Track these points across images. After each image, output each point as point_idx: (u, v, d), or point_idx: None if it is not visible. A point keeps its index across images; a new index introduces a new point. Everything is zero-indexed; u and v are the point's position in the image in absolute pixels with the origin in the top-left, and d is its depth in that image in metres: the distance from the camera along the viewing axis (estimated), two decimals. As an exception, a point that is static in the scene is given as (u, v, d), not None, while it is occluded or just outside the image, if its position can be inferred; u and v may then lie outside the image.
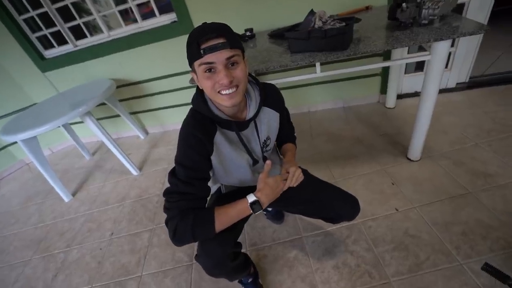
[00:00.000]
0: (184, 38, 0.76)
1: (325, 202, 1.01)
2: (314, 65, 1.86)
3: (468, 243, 1.17)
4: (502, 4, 3.07)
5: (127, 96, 2.53)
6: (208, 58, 0.69)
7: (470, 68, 2.07)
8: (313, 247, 1.32)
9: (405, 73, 2.14)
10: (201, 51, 0.68)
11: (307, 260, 1.27)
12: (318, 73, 1.35)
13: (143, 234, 1.65)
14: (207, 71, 0.71)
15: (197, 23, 1.98)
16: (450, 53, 2.03)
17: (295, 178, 0.87)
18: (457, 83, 2.14)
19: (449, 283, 1.06)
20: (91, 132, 2.89)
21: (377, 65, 1.37)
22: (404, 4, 1.21)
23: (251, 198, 0.81)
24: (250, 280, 1.14)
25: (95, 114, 2.68)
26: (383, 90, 2.15)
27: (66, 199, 2.15)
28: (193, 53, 0.70)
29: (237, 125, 0.85)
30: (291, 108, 2.38)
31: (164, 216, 1.08)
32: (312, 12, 1.29)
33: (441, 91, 2.15)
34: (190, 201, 0.79)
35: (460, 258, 1.13)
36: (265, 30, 1.88)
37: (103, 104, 2.58)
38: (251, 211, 0.81)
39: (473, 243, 1.16)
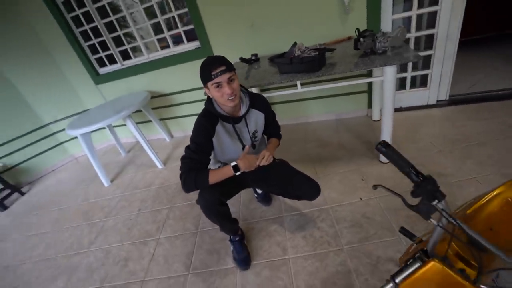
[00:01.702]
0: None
1: (294, 183, 1.39)
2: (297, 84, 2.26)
3: (409, 224, 1.46)
4: (479, 33, 3.39)
5: (158, 105, 3.09)
6: (217, 79, 1.14)
7: (448, 87, 2.35)
8: (290, 223, 1.67)
9: (389, 91, 2.46)
10: (212, 75, 1.13)
11: (283, 232, 1.63)
12: (299, 89, 1.75)
13: (163, 210, 2.11)
14: (217, 87, 1.16)
15: (215, 48, 2.50)
16: (427, 74, 2.34)
17: (264, 158, 1.27)
18: (437, 100, 2.42)
19: (387, 250, 1.37)
20: (128, 133, 3.48)
21: (335, 84, 1.74)
22: (362, 39, 1.60)
23: (233, 163, 1.23)
24: (237, 239, 1.52)
25: (133, 119, 3.27)
26: (370, 105, 2.49)
27: (106, 184, 2.69)
28: (207, 77, 1.15)
29: (233, 119, 1.28)
30: (291, 119, 2.78)
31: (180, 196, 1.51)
32: (294, 44, 1.72)
33: (422, 107, 2.44)
34: (195, 164, 1.23)
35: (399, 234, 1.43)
36: (267, 55, 2.34)
37: (140, 111, 3.16)
38: (233, 172, 1.22)
39: (414, 224, 1.46)
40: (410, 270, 0.70)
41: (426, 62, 2.30)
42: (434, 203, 0.61)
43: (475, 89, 2.44)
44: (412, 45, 2.22)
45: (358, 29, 1.65)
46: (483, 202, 0.93)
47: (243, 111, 1.30)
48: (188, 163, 1.24)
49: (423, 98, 2.43)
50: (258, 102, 1.36)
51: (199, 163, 1.24)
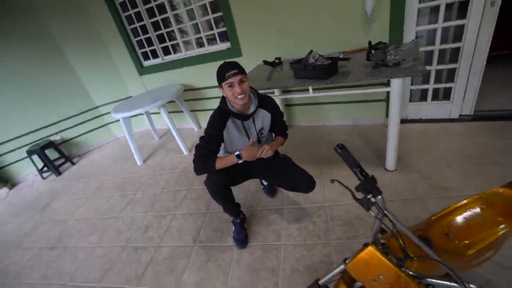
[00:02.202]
0: (234, 59, 1.47)
1: (292, 176, 1.56)
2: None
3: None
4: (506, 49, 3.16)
5: (190, 98, 3.42)
6: (229, 80, 1.36)
7: (474, 102, 2.29)
8: (288, 215, 1.84)
9: (410, 101, 2.47)
10: (226, 76, 1.35)
11: (281, 221, 1.80)
12: (310, 93, 1.89)
13: (182, 191, 2.40)
14: (229, 86, 1.38)
15: (244, 50, 2.73)
16: (451, 88, 2.30)
17: (264, 151, 1.45)
18: (460, 115, 2.37)
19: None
20: (162, 120, 3.88)
21: (347, 91, 1.85)
22: (373, 51, 1.69)
23: (237, 152, 1.45)
24: (238, 221, 1.74)
25: (166, 108, 3.64)
26: (387, 113, 2.52)
27: (139, 163, 3.08)
28: (221, 77, 1.37)
29: (242, 116, 1.49)
30: (310, 121, 2.91)
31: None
32: (310, 52, 1.86)
33: (444, 120, 2.40)
34: (207, 152, 1.46)
35: (387, 237, 1.52)
36: (290, 59, 2.49)
37: (173, 101, 3.51)
38: (236, 159, 1.43)
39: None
40: (356, 253, 0.85)
41: (450, 76, 2.27)
42: (369, 196, 0.75)
43: (502, 107, 2.34)
44: (435, 58, 2.21)
45: (370, 42, 1.74)
46: (449, 210, 1.03)
47: (251, 109, 1.49)
48: (200, 151, 1.47)
49: (445, 111, 2.39)
50: (266, 103, 1.55)
51: (210, 151, 1.47)
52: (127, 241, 2.00)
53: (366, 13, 2.13)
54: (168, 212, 2.19)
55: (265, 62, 2.44)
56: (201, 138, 1.50)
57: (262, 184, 2.09)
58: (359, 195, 0.81)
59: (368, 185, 0.75)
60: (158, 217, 2.16)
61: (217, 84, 1.43)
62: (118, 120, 3.86)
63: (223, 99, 1.50)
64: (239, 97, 1.37)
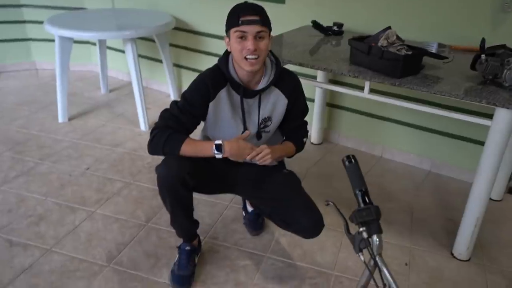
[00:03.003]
0: (269, 6, 1.76)
1: (289, 203, 1.86)
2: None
3: None
4: None
5: (179, 43, 3.83)
6: (243, 27, 1.65)
7: None
8: (268, 267, 2.15)
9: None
10: (240, 21, 1.65)
11: (253, 274, 2.11)
12: (365, 93, 2.23)
13: (117, 183, 2.77)
14: (240, 38, 1.68)
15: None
16: None
17: (261, 154, 1.77)
18: None
19: None
20: (121, 65, 4.30)
21: (427, 109, 2.15)
22: (483, 57, 2.01)
23: (218, 141, 1.74)
24: (187, 248, 2.04)
25: (137, 47, 4.06)
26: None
27: (60, 120, 3.50)
28: (233, 22, 1.67)
29: (244, 91, 1.81)
30: (357, 140, 3.29)
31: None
32: (385, 30, 2.21)
33: None
34: (175, 124, 1.76)
35: None
36: (357, 32, 2.84)
37: (151, 40, 3.92)
38: (213, 151, 1.73)
39: None
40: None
41: None
42: (361, 229, 1.07)
43: None
44: None
45: (483, 41, 2.06)
46: None
47: (261, 84, 1.82)
48: (167, 119, 1.79)
49: None
50: (286, 82, 1.87)
51: (181, 125, 1.78)
52: (1, 228, 2.34)
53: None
54: (82, 205, 2.54)
55: (315, 25, 2.79)
56: (174, 102, 1.82)
57: (245, 209, 2.41)
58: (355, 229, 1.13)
59: (366, 215, 1.07)
60: (65, 208, 2.52)
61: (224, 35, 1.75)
62: (51, 40, 4.28)
63: (224, 56, 1.83)
64: (248, 57, 1.68)
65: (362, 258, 1.11)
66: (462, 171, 2.96)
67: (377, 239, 1.10)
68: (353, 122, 3.26)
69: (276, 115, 1.91)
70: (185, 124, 1.80)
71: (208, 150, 1.75)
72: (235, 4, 1.70)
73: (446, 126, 2.91)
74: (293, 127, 1.99)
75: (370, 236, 1.09)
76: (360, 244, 1.11)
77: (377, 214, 1.10)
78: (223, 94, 1.81)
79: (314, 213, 1.83)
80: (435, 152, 3.01)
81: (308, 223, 1.83)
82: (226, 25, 1.73)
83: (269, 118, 1.91)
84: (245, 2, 1.72)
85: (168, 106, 1.84)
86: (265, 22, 1.69)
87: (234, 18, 1.67)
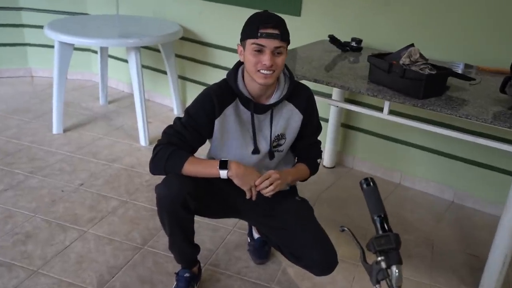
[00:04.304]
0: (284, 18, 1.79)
1: (301, 236, 1.85)
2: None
3: None
4: None
5: (185, 54, 3.87)
6: (261, 41, 1.66)
7: None
8: (274, 301, 2.14)
9: None
10: (259, 33, 1.66)
11: (257, 307, 2.10)
12: (384, 114, 2.23)
13: (112, 201, 2.77)
14: (257, 50, 1.69)
15: (306, 8, 3.19)
16: None
17: (269, 180, 1.75)
18: None
19: None
20: (124, 75, 4.35)
21: (452, 133, 2.15)
22: (514, 79, 2.02)
23: (224, 159, 1.75)
24: (186, 275, 2.02)
25: (141, 57, 4.10)
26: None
27: (55, 131, 3.52)
28: (251, 33, 1.68)
29: (255, 106, 1.82)
30: (375, 165, 3.28)
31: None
32: (409, 46, 2.22)
33: None
34: (179, 141, 1.78)
35: None
36: (375, 48, 2.87)
37: (156, 50, 3.96)
38: (218, 171, 1.73)
39: None
40: None
41: None
42: (379, 258, 1.05)
43: None
44: None
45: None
46: None
47: (273, 99, 1.83)
48: (170, 135, 1.80)
49: None
50: (301, 97, 1.89)
51: (184, 142, 1.79)
52: (-17, 245, 2.34)
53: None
54: (74, 224, 2.54)
55: (332, 39, 2.81)
56: (178, 118, 1.83)
57: (251, 235, 2.40)
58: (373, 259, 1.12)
59: (385, 243, 1.06)
60: (55, 226, 2.51)
61: (235, 48, 1.77)
62: (49, 46, 4.32)
63: (234, 69, 1.84)
64: (263, 71, 1.70)
65: (379, 290, 1.09)
66: (488, 203, 2.93)
67: (397, 270, 1.08)
68: (369, 145, 3.26)
69: (290, 132, 1.92)
70: (189, 141, 1.81)
71: (213, 169, 1.75)
72: (254, 13, 1.72)
73: (471, 153, 2.90)
74: (307, 145, 2.00)
75: (389, 266, 1.07)
76: (377, 275, 1.09)
77: (397, 242, 1.08)
78: (230, 111, 1.83)
79: (328, 249, 1.81)
80: (459, 181, 2.99)
81: (320, 259, 1.80)
82: (242, 33, 1.75)
83: (282, 136, 1.91)
84: (266, 12, 1.74)
85: (172, 122, 1.85)
86: (284, 36, 1.70)
87: (253, 28, 1.68)
